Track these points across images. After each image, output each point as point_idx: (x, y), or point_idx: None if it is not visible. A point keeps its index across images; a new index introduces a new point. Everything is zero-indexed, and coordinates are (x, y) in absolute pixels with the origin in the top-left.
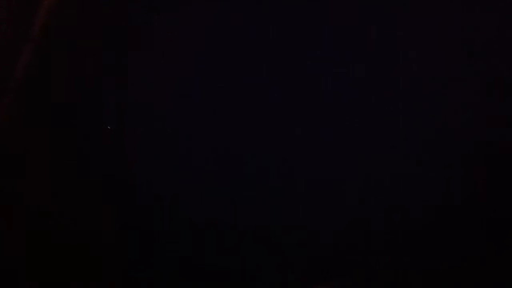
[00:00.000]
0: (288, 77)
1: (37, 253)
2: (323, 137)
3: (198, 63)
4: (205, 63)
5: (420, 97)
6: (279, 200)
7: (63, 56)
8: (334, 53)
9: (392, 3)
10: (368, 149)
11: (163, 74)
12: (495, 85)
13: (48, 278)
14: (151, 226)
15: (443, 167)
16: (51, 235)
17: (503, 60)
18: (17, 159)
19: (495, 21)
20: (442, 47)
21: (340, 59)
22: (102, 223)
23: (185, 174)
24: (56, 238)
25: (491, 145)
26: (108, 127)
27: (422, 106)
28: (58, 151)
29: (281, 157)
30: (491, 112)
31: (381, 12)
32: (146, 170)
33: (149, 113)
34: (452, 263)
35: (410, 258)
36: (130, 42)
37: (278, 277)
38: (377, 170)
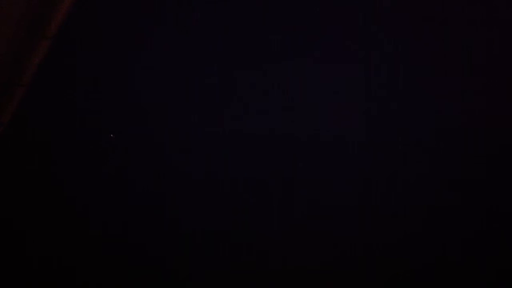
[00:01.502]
0: (288, 77)
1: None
2: (323, 138)
3: (200, 66)
4: (206, 65)
5: (421, 96)
6: (278, 201)
7: (78, 54)
8: (336, 53)
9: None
10: (367, 149)
11: (176, 75)
12: (495, 86)
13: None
14: (150, 228)
15: (442, 167)
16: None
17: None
18: (26, 149)
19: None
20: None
21: (342, 58)
22: (102, 222)
23: (184, 176)
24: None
25: (491, 145)
26: (111, 135)
27: (422, 106)
28: (66, 145)
29: (281, 157)
30: (492, 112)
31: (384, 13)
32: (146, 171)
33: (159, 113)
34: (452, 263)
35: (409, 258)
36: (145, 42)
37: (277, 278)
38: (377, 171)
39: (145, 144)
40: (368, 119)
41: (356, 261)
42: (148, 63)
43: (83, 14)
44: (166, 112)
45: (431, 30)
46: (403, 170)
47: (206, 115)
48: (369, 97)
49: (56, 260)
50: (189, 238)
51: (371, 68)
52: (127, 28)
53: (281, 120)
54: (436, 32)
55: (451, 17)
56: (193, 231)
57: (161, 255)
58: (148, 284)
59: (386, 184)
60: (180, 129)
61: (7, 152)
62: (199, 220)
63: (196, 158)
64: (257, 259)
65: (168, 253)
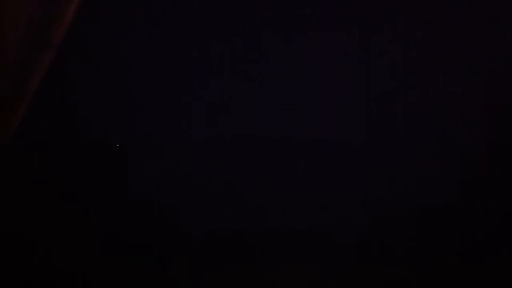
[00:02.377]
0: (288, 77)
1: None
2: (323, 139)
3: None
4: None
5: (421, 96)
6: (278, 202)
7: (82, 63)
8: (336, 52)
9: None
10: (368, 150)
11: (177, 79)
12: (495, 86)
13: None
14: (151, 229)
15: (443, 167)
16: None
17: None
18: (31, 160)
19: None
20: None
21: (342, 57)
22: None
23: (184, 177)
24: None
25: (491, 146)
26: (117, 145)
27: (422, 106)
28: (70, 152)
29: (281, 159)
30: (492, 113)
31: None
32: (147, 176)
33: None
34: (452, 263)
35: (409, 258)
36: (148, 47)
37: (276, 279)
38: (377, 171)
39: (145, 149)
40: (368, 120)
41: (357, 262)
42: (150, 68)
43: (87, 22)
44: (167, 115)
45: (432, 30)
46: (403, 170)
47: (205, 118)
48: (369, 97)
49: (59, 262)
50: (189, 240)
51: (371, 68)
52: (129, 34)
53: (282, 121)
54: (436, 32)
55: (451, 17)
56: (193, 232)
57: (161, 257)
58: (147, 285)
59: (387, 184)
60: (180, 132)
61: (12, 162)
62: (199, 222)
63: (196, 160)
64: (257, 260)
65: (168, 255)
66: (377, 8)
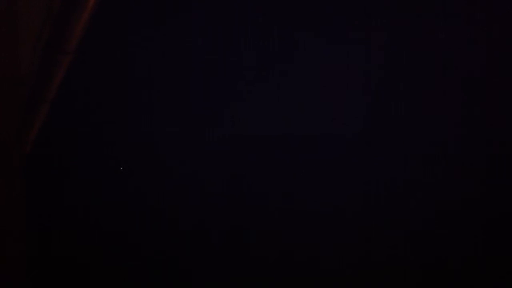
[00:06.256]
0: (287, 77)
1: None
2: (323, 139)
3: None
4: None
5: (421, 95)
6: (278, 202)
7: (99, 68)
8: (335, 51)
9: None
10: (370, 152)
11: (178, 81)
12: (495, 87)
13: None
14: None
15: (445, 169)
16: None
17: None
18: (49, 162)
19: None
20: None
21: (341, 56)
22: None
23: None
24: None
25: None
26: (121, 168)
27: (422, 105)
28: (86, 157)
29: (281, 159)
30: (492, 113)
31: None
32: (148, 178)
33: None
34: (453, 263)
35: (409, 259)
36: (163, 58)
37: (275, 281)
38: (376, 171)
39: (148, 150)
40: (368, 120)
41: (356, 261)
42: (163, 70)
43: (102, 28)
44: (168, 116)
45: (431, 29)
46: (403, 170)
47: (205, 119)
48: (368, 97)
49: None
50: (190, 241)
51: (371, 67)
52: (142, 39)
53: (281, 121)
54: (436, 32)
55: (451, 16)
56: (194, 234)
57: (160, 259)
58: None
59: (386, 184)
60: (181, 133)
61: (35, 167)
62: (200, 223)
63: (196, 161)
64: (256, 260)
65: (166, 257)
66: (377, 8)
